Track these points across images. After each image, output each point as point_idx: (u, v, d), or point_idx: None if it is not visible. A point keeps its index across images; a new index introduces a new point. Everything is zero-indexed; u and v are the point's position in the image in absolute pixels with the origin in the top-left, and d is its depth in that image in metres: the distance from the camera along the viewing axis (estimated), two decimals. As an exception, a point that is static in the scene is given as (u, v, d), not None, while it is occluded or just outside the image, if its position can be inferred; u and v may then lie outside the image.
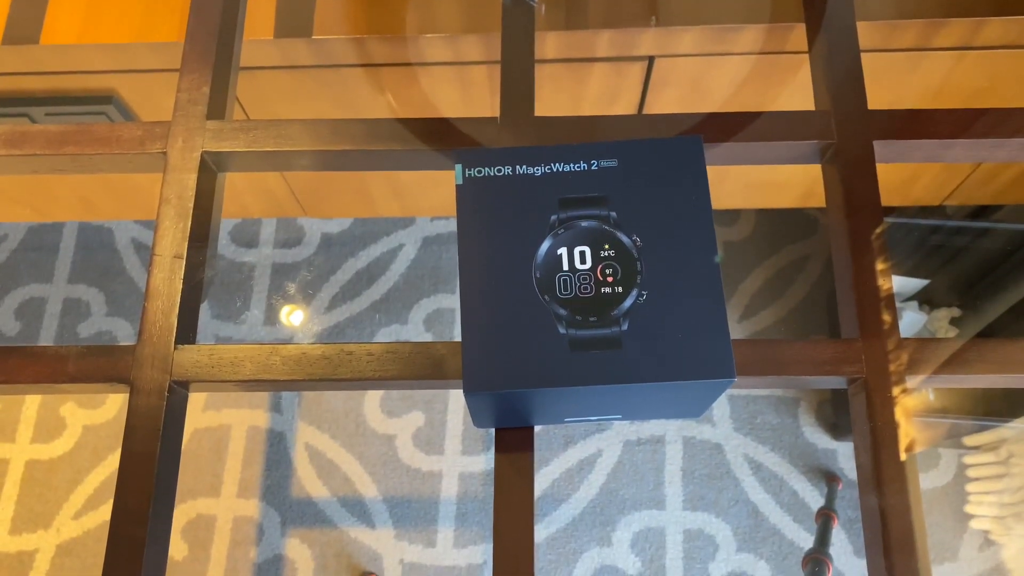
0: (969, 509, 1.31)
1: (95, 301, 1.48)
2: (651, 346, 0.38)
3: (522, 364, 0.38)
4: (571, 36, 0.74)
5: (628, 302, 0.39)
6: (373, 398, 1.42)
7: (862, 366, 0.45)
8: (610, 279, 0.39)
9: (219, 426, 1.40)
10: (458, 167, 0.42)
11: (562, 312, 0.39)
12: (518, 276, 0.39)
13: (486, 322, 0.39)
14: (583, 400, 0.40)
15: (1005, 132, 0.50)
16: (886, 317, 0.46)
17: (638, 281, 0.39)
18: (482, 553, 1.32)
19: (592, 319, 0.38)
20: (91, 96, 0.84)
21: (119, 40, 0.74)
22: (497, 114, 0.53)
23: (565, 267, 0.39)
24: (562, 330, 0.38)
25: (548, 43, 0.75)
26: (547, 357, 0.38)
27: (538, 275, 0.39)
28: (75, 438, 1.40)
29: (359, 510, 1.35)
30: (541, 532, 1.33)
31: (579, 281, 0.39)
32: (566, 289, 0.39)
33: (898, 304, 1.31)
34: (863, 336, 0.46)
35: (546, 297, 0.39)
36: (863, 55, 0.54)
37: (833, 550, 1.27)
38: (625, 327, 0.38)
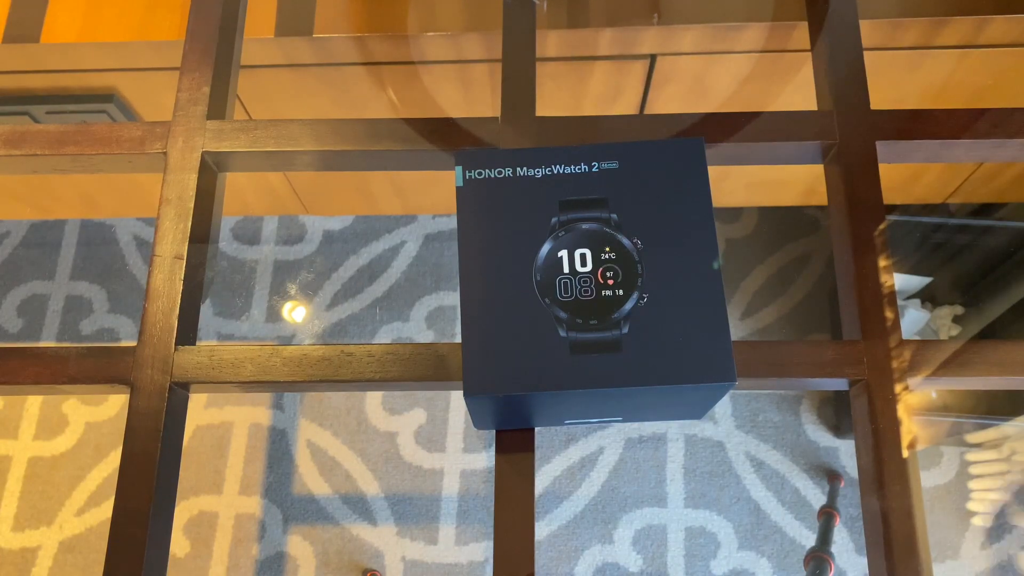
0: (971, 506, 1.31)
1: (97, 298, 1.48)
2: (652, 349, 0.38)
3: (522, 367, 0.38)
4: (572, 34, 0.74)
5: (629, 305, 0.38)
6: (375, 395, 1.42)
7: (864, 368, 0.45)
8: (611, 282, 0.39)
9: (221, 423, 1.40)
10: (458, 169, 0.42)
11: (563, 315, 0.38)
12: (519, 279, 0.39)
13: (487, 325, 0.39)
14: (584, 403, 0.40)
15: (1007, 132, 0.50)
16: (888, 319, 0.46)
17: (639, 284, 0.39)
18: (484, 550, 1.32)
19: (593, 322, 0.38)
20: (92, 94, 0.84)
21: (119, 38, 0.74)
22: (498, 112, 0.53)
23: (566, 270, 0.39)
24: (563, 333, 0.38)
25: (549, 41, 0.75)
26: (547, 360, 0.38)
27: (538, 278, 0.39)
28: (77, 435, 1.40)
29: (361, 507, 1.35)
30: (543, 529, 1.33)
31: (580, 284, 0.39)
32: (567, 292, 0.39)
33: (900, 302, 1.31)
34: (865, 338, 0.46)
35: (546, 300, 0.39)
36: (865, 53, 0.54)
37: (835, 548, 1.27)
38: (626, 330, 0.38)
